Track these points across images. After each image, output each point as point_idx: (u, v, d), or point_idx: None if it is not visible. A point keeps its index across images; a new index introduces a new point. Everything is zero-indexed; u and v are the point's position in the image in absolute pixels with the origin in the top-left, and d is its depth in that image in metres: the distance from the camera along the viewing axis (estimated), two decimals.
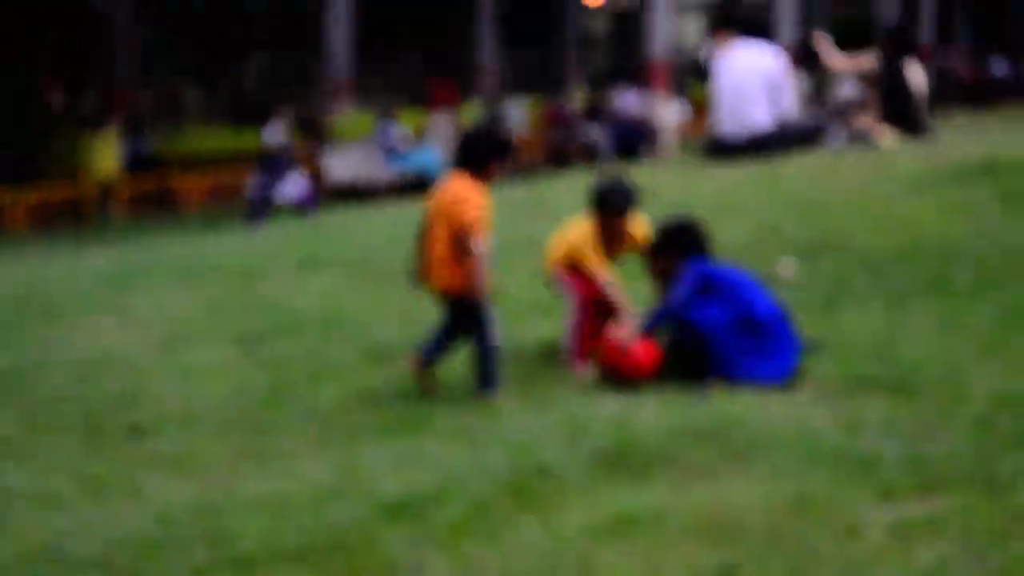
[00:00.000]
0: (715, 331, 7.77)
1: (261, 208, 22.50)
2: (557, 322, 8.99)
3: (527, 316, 9.37)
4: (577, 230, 8.47)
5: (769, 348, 7.76)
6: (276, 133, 25.17)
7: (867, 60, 15.68)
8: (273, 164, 23.11)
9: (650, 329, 7.89)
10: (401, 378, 8.25)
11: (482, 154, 7.87)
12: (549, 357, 8.36)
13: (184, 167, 31.47)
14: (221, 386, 8.48)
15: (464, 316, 7.90)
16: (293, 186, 22.94)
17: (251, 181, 23.33)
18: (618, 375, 7.91)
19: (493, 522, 5.90)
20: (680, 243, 8.10)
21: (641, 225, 8.53)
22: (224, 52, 55.86)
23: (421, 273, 7.99)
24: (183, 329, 10.13)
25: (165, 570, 5.62)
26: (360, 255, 11.61)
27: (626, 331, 7.93)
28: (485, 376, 7.89)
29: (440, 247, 7.83)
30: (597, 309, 8.33)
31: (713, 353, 7.75)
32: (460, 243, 7.71)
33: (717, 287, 7.89)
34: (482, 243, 7.73)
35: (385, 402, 7.82)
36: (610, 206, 8.34)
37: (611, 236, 8.39)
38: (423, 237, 7.94)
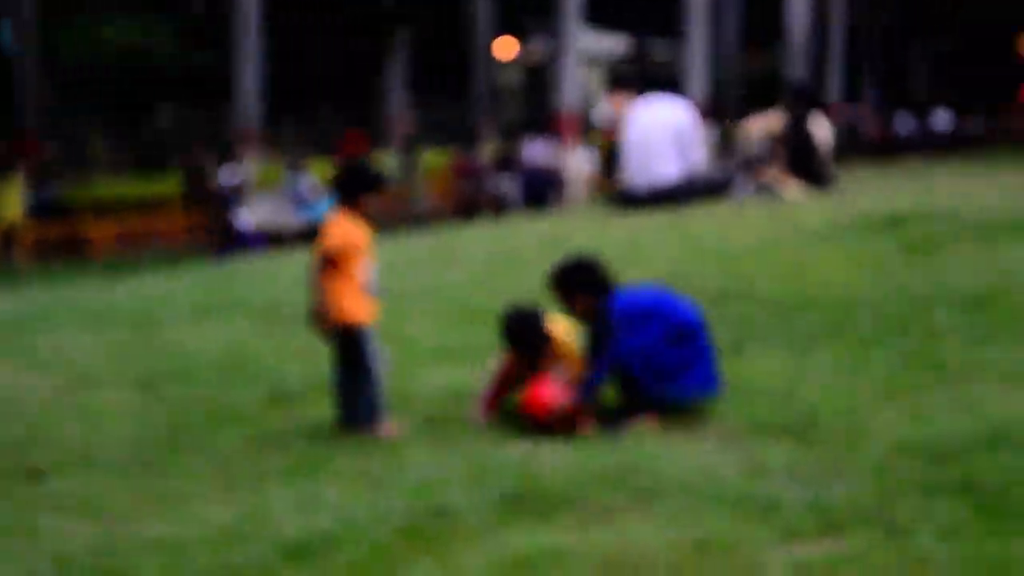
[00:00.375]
0: (651, 354, 7.78)
1: (230, 242, 23.43)
2: (461, 367, 8.99)
3: (431, 361, 9.35)
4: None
5: (700, 352, 7.81)
6: (231, 174, 26.48)
7: (775, 119, 15.82)
8: (228, 202, 23.50)
9: (590, 399, 7.83)
10: (303, 421, 8.19)
11: (351, 188, 7.92)
12: (453, 401, 8.33)
13: (92, 214, 31.27)
14: (122, 428, 8.38)
15: (345, 348, 7.91)
16: (244, 224, 23.19)
17: (217, 217, 24.18)
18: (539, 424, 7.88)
19: (391, 564, 5.86)
20: (587, 282, 8.04)
21: (561, 328, 8.37)
22: (133, 101, 55.65)
23: (312, 315, 7.97)
24: (85, 372, 10.01)
25: None
26: (266, 300, 11.54)
27: (565, 400, 7.87)
28: (369, 409, 7.89)
29: (316, 283, 7.87)
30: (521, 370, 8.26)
31: (647, 379, 7.75)
32: (323, 269, 7.76)
33: (638, 312, 7.87)
34: (357, 271, 7.80)
35: (287, 445, 7.75)
36: (522, 344, 8.19)
37: (530, 364, 8.27)
38: (311, 279, 7.94)
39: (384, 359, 8.01)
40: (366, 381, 7.89)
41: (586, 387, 7.76)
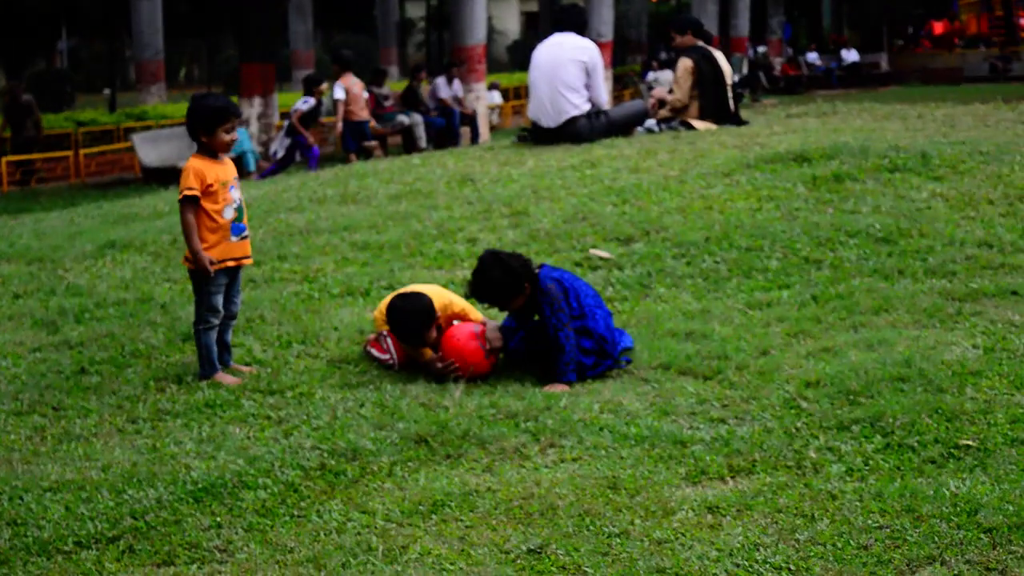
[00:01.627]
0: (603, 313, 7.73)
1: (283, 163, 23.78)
2: (368, 305, 8.93)
3: (339, 300, 9.27)
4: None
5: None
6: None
7: (679, 86, 15.68)
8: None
9: (574, 375, 7.50)
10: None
11: (201, 123, 7.76)
12: (360, 341, 8.26)
13: None
14: (22, 368, 8.24)
15: (195, 290, 7.87)
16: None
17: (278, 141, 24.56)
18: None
19: (301, 505, 5.84)
20: (511, 285, 7.61)
21: (451, 300, 8.18)
22: (29, 35, 54.88)
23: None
24: None
25: None
26: (168, 238, 11.39)
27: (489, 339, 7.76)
28: (199, 358, 7.83)
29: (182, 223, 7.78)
30: None
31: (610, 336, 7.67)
32: (182, 211, 7.69)
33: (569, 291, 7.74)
34: (215, 211, 7.69)
35: (191, 385, 7.66)
36: (406, 335, 7.87)
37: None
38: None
39: (236, 305, 7.95)
40: (196, 325, 7.81)
41: (567, 366, 7.45)
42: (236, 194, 7.78)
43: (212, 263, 7.64)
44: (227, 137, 7.78)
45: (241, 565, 5.25)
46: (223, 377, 7.74)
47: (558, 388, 7.28)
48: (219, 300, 7.78)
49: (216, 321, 7.79)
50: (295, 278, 9.78)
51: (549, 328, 7.53)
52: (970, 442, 6.03)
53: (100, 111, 39.10)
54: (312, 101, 24.35)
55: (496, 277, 7.60)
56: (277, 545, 5.42)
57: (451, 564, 5.16)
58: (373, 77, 30.47)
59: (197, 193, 7.62)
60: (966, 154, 11.45)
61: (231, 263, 7.78)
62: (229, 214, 7.72)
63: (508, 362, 7.83)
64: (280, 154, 23.93)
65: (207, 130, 7.72)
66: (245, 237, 7.87)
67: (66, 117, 35.69)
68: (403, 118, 28.83)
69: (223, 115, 7.76)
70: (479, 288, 7.72)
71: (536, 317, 7.75)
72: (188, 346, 8.40)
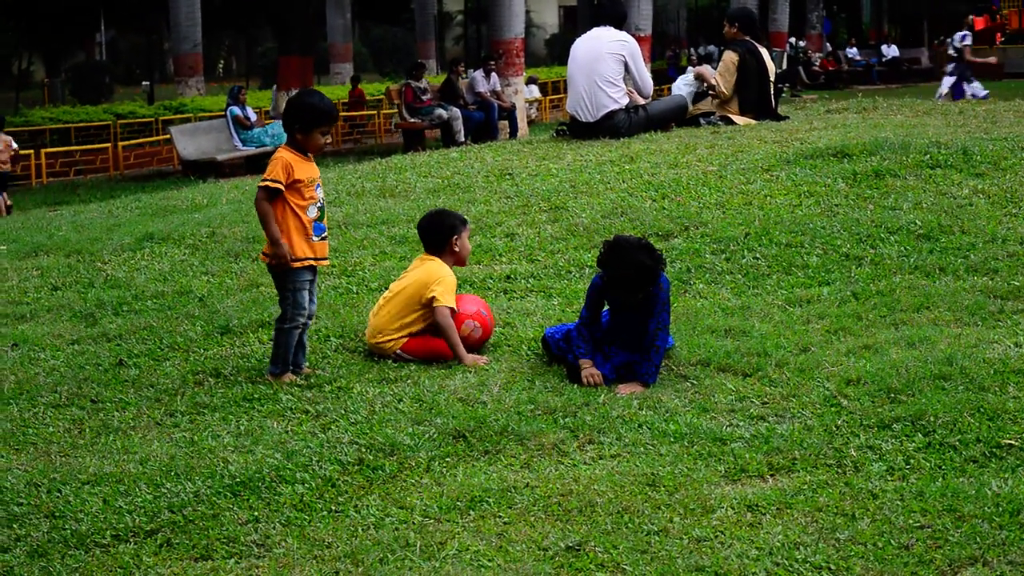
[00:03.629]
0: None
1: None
2: None
3: (377, 293, 9.26)
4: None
5: None
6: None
7: (723, 78, 15.60)
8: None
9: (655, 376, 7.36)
10: (246, 355, 8.10)
11: (299, 121, 7.65)
12: None
13: (27, 142, 30.92)
14: (60, 361, 8.26)
15: (278, 288, 7.78)
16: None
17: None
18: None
19: (339, 500, 5.83)
20: (655, 272, 7.39)
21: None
22: (69, 27, 55.11)
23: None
24: (23, 303, 9.87)
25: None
26: (206, 231, 11.41)
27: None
28: (274, 355, 7.73)
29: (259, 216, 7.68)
30: None
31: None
32: (262, 203, 7.59)
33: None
34: (300, 208, 7.61)
35: (229, 379, 7.66)
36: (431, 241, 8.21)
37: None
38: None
39: (314, 305, 7.87)
40: (281, 323, 7.72)
41: (656, 368, 7.30)
42: (320, 193, 7.71)
43: (293, 259, 7.57)
44: (322, 139, 7.72)
45: (279, 560, 5.25)
46: (290, 378, 7.67)
47: (638, 389, 7.17)
48: (305, 297, 7.69)
49: (303, 320, 7.70)
50: (333, 272, 9.78)
51: (652, 325, 7.36)
52: (1012, 441, 5.97)
53: (139, 103, 39.33)
54: None
55: (644, 263, 7.35)
56: (315, 540, 5.42)
57: (489, 561, 5.14)
58: (411, 70, 30.49)
59: (281, 186, 7.52)
60: (1008, 150, 11.37)
61: (311, 262, 7.69)
62: (313, 212, 7.64)
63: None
64: None
65: (305, 128, 7.62)
66: (325, 238, 7.79)
67: (104, 109, 35.91)
68: (441, 112, 28.84)
69: (325, 117, 7.69)
70: (625, 269, 7.41)
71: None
72: (227, 339, 8.41)
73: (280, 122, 27.68)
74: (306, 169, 7.62)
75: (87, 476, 6.16)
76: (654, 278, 7.38)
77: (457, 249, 8.16)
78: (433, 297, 7.93)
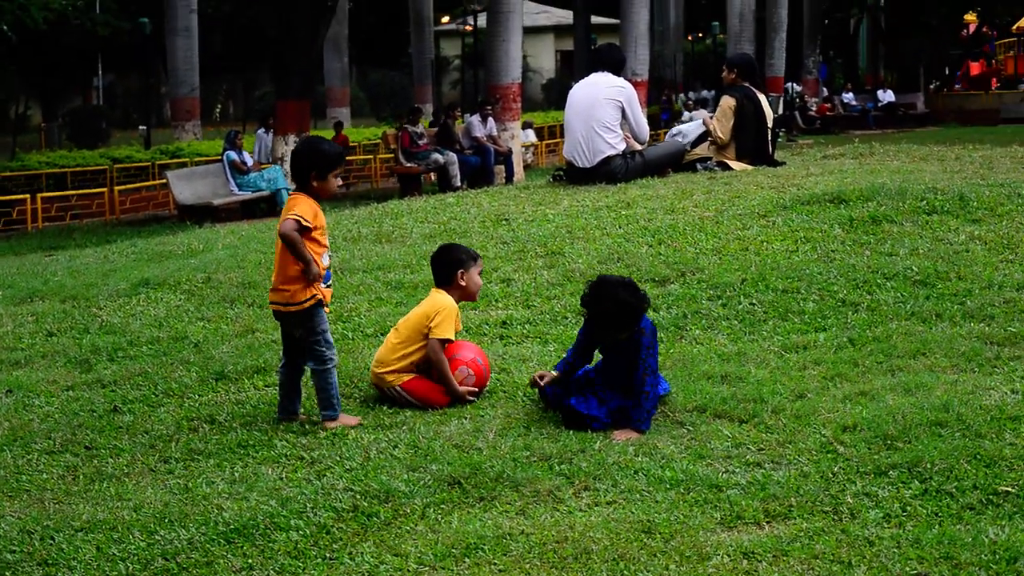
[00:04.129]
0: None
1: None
2: None
3: (373, 339, 9.25)
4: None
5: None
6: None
7: (720, 124, 15.62)
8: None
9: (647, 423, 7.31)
10: (240, 401, 8.08)
11: (307, 167, 7.62)
12: None
13: (23, 187, 30.97)
14: (55, 407, 8.24)
15: (299, 334, 7.70)
16: None
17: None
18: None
19: (334, 547, 5.81)
20: (633, 318, 7.41)
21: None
22: (66, 72, 55.21)
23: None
24: (18, 349, 9.86)
25: None
26: (202, 276, 11.40)
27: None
28: (324, 401, 7.66)
29: (279, 259, 7.66)
30: None
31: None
32: (283, 252, 7.55)
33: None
34: (318, 258, 7.56)
35: (224, 425, 7.64)
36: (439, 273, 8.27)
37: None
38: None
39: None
40: (319, 366, 7.65)
41: (648, 413, 7.26)
42: (327, 242, 7.74)
43: (311, 297, 7.55)
44: (337, 183, 7.78)
45: None
46: (347, 419, 7.62)
47: (632, 436, 7.12)
48: (330, 335, 7.68)
49: (336, 358, 7.68)
50: (329, 317, 9.74)
51: (639, 370, 7.34)
52: (1009, 488, 5.95)
53: (135, 148, 39.38)
54: None
55: (626, 300, 7.37)
56: None
57: None
58: (408, 115, 30.55)
59: (310, 225, 7.48)
60: (1004, 196, 11.38)
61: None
62: (326, 260, 7.64)
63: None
64: None
65: (322, 174, 7.61)
66: (330, 286, 7.82)
67: (101, 154, 35.96)
68: (437, 156, 28.89)
69: (339, 160, 7.77)
70: (605, 305, 7.44)
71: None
72: (222, 385, 8.40)
73: (277, 167, 27.82)
74: (322, 216, 7.63)
75: (81, 523, 6.14)
76: (636, 316, 7.38)
77: (463, 283, 8.17)
78: (430, 328, 7.94)
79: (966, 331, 8.48)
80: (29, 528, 6.11)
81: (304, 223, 7.45)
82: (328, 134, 41.62)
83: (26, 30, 39.20)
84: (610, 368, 7.61)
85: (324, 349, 7.60)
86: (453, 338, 8.01)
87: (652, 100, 50.69)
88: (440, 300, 8.10)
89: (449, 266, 8.19)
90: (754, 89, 15.77)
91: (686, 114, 43.95)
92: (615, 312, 7.37)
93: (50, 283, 12.30)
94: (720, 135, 15.37)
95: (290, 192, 7.89)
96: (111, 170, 33.83)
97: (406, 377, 7.96)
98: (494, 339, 9.20)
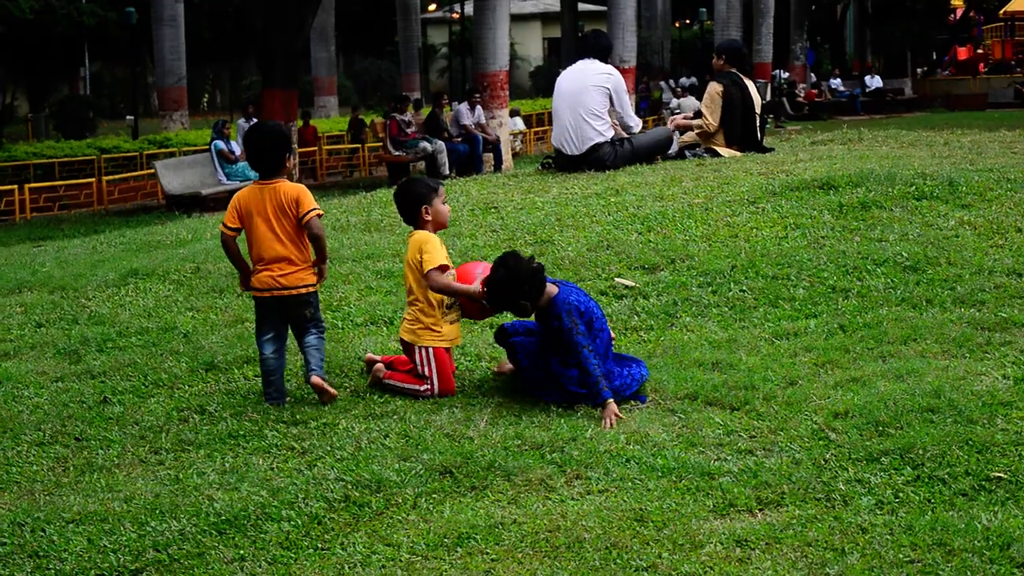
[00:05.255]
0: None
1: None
2: (392, 334, 8.88)
3: (363, 328, 9.24)
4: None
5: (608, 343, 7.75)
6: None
7: (708, 110, 15.63)
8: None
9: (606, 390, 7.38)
10: (231, 391, 8.06)
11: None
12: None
13: (11, 177, 30.88)
14: (44, 398, 8.21)
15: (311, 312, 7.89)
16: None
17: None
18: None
19: (325, 538, 5.79)
20: (521, 293, 7.60)
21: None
22: (53, 62, 55.05)
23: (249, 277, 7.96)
24: (6, 340, 9.82)
25: None
26: (191, 267, 11.37)
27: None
28: (321, 360, 7.91)
29: (279, 247, 7.78)
30: None
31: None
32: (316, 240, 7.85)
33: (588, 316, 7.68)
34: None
35: (214, 415, 7.62)
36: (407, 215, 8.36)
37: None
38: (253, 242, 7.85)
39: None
40: (322, 335, 8.01)
41: (597, 386, 7.32)
42: None
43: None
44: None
45: None
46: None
47: (609, 411, 7.17)
48: None
49: None
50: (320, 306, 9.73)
51: (575, 352, 7.44)
52: (1001, 474, 5.96)
53: (123, 138, 39.27)
54: None
55: (505, 288, 7.61)
56: None
57: None
58: (395, 103, 30.51)
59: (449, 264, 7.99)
60: (993, 181, 11.38)
61: None
62: None
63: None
64: None
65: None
66: None
67: (88, 144, 35.84)
68: (425, 145, 28.85)
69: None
70: (493, 299, 7.76)
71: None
72: (212, 376, 8.37)
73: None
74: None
75: (71, 515, 6.12)
76: (524, 282, 7.57)
77: (429, 217, 8.19)
78: (421, 268, 8.01)
79: (957, 316, 8.48)
80: (20, 520, 6.09)
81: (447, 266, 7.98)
82: (320, 122, 41.57)
83: (13, 20, 39.10)
84: (544, 344, 7.77)
85: (321, 321, 8.00)
86: (448, 263, 8.05)
87: (640, 87, 50.63)
88: (417, 237, 8.15)
89: (412, 204, 8.24)
90: (741, 76, 15.74)
91: (674, 101, 43.92)
92: (503, 280, 7.61)
93: (38, 274, 12.26)
94: (710, 122, 15.35)
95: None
96: (99, 160, 33.73)
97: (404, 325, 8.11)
98: (484, 326, 9.17)
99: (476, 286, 7.88)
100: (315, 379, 7.71)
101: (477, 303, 7.98)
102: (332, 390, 7.75)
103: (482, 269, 8.08)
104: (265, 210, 7.76)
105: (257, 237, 7.80)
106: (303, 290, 7.81)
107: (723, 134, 15.37)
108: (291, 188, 7.82)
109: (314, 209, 7.75)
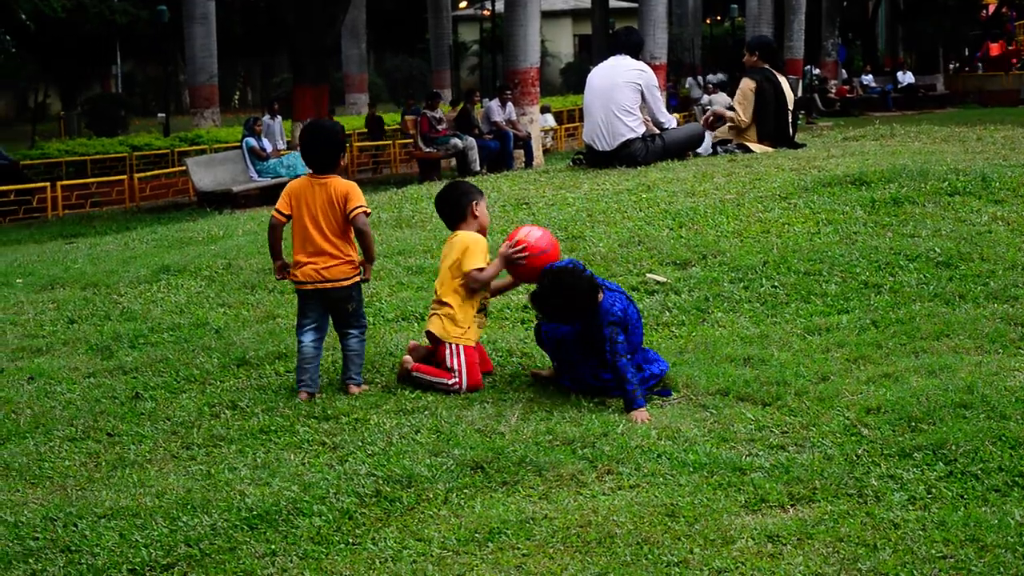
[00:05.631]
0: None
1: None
2: (421, 329, 8.88)
3: (394, 324, 9.24)
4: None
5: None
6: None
7: (740, 106, 15.63)
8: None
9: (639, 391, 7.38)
10: (262, 387, 8.07)
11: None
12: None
13: (43, 174, 31.01)
14: (76, 394, 8.24)
15: (352, 306, 8.03)
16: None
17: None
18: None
19: (357, 533, 5.79)
20: (576, 308, 7.57)
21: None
22: (85, 60, 55.28)
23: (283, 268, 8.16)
24: (39, 336, 9.86)
25: None
26: (223, 263, 11.39)
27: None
28: (360, 367, 8.08)
29: (323, 241, 7.92)
30: None
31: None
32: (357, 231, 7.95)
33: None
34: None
35: (246, 411, 7.63)
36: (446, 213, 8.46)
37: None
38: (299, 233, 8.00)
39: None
40: (362, 335, 8.16)
41: (634, 392, 7.28)
42: None
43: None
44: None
45: None
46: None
47: (639, 416, 7.13)
48: None
49: None
50: None
51: (608, 354, 7.43)
52: None
53: (154, 135, 39.43)
54: None
55: (558, 297, 7.58)
56: (332, 573, 5.39)
57: None
58: (427, 100, 30.53)
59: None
60: None
61: None
62: None
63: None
64: None
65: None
66: None
67: (120, 141, 36.01)
68: (457, 141, 28.87)
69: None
70: (544, 307, 7.70)
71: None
72: (243, 371, 8.39)
73: (296, 153, 27.78)
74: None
75: (103, 510, 6.13)
76: (586, 297, 7.54)
77: (477, 215, 8.26)
78: (460, 268, 8.10)
79: (989, 312, 8.44)
80: (52, 515, 6.10)
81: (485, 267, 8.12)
82: (350, 119, 41.65)
83: (45, 19, 39.25)
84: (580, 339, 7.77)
85: (363, 317, 8.15)
86: (484, 265, 8.11)
87: (670, 83, 50.53)
88: (464, 237, 8.20)
89: (460, 200, 8.30)
90: (774, 71, 15.71)
91: (705, 97, 43.83)
92: (565, 302, 7.58)
93: (71, 270, 12.31)
94: (742, 118, 15.32)
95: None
96: (130, 158, 33.87)
97: (434, 319, 8.17)
98: (515, 323, 9.18)
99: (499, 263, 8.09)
100: (353, 389, 7.91)
101: (520, 266, 8.01)
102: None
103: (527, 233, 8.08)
104: (314, 204, 7.92)
105: (303, 229, 7.95)
106: (345, 283, 7.93)
107: (755, 130, 15.34)
108: (342, 184, 7.98)
109: (361, 206, 7.88)
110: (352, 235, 7.95)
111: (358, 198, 7.91)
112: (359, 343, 8.01)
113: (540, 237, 7.97)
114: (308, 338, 7.96)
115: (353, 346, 7.98)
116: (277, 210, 8.04)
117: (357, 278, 8.00)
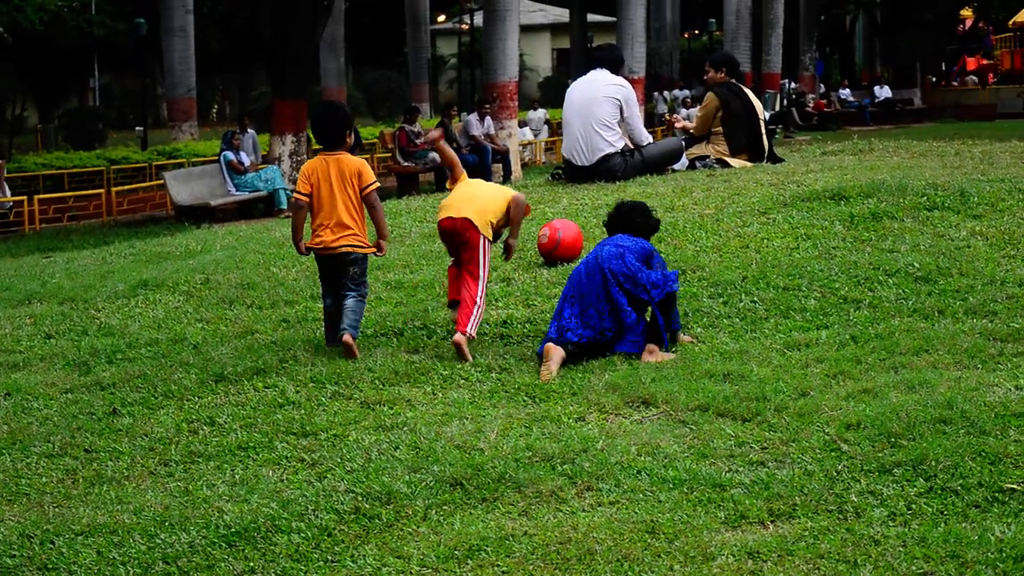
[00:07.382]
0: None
1: None
2: (402, 346, 8.87)
3: (373, 339, 9.22)
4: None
5: None
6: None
7: (699, 117, 15.81)
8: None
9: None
10: (240, 403, 8.04)
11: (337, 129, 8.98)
12: (393, 381, 8.20)
13: (20, 188, 30.92)
14: (54, 410, 8.20)
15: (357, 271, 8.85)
16: None
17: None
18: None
19: (336, 550, 5.77)
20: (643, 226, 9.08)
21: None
22: (62, 73, 55.15)
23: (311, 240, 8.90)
24: (16, 352, 9.82)
25: None
26: (201, 278, 11.36)
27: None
28: (357, 322, 8.88)
29: (342, 212, 8.77)
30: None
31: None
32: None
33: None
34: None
35: (224, 427, 7.60)
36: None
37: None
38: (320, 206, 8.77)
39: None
40: (364, 298, 9.12)
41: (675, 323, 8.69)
42: None
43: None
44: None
45: None
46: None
47: (667, 356, 8.30)
48: None
49: None
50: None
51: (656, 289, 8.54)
52: (1015, 486, 5.92)
53: (132, 149, 39.34)
54: None
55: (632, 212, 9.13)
56: None
57: None
58: (405, 115, 30.51)
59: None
60: (1005, 192, 11.36)
61: None
62: None
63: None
64: None
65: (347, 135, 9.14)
66: None
67: (98, 155, 35.91)
68: (435, 155, 28.86)
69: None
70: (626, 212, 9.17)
71: None
72: (221, 387, 8.37)
73: (274, 167, 27.74)
74: None
75: (80, 527, 6.11)
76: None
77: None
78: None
79: (969, 327, 8.45)
80: (29, 532, 6.08)
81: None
82: None
83: (22, 31, 39.14)
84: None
85: (365, 284, 9.04)
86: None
87: (648, 98, 50.57)
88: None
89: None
90: (740, 85, 15.76)
91: (683, 111, 43.88)
92: (642, 219, 9.10)
93: (48, 285, 12.27)
94: (696, 126, 15.58)
95: (287, 191, 8.82)
96: (108, 171, 33.78)
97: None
98: (494, 339, 9.16)
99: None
100: (346, 337, 8.64)
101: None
102: (357, 352, 8.65)
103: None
104: (330, 177, 8.79)
105: (325, 201, 8.80)
106: (357, 249, 8.84)
107: (728, 144, 15.37)
108: (352, 161, 8.87)
109: (374, 182, 8.89)
110: (363, 210, 8.76)
111: (370, 175, 8.86)
112: (356, 301, 8.81)
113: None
114: (330, 300, 8.97)
115: (350, 303, 8.72)
116: (299, 191, 8.77)
117: (367, 251, 8.88)
